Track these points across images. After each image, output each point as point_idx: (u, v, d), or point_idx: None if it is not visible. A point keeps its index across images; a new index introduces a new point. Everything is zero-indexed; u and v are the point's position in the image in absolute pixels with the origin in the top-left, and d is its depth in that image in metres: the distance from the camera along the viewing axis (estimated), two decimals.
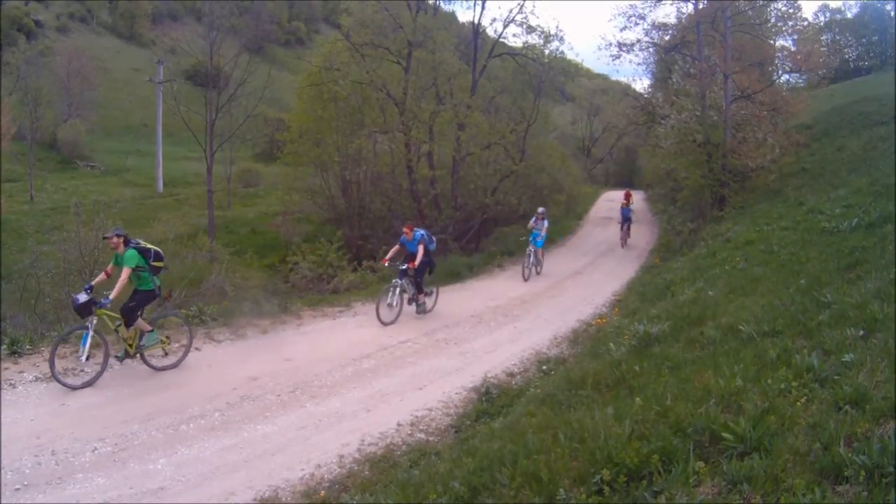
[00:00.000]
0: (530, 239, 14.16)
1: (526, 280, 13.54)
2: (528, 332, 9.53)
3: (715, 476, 2.80)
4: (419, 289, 9.97)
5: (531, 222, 14.47)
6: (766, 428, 2.99)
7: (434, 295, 10.53)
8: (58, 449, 5.07)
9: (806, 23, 22.90)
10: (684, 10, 19.98)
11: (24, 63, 34.12)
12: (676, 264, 13.03)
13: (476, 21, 20.44)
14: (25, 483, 4.58)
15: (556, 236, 20.96)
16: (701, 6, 19.12)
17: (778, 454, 2.78)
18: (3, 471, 4.66)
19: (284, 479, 4.93)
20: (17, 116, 32.48)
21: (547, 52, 20.63)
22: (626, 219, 19.78)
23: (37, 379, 6.37)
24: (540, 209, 14.73)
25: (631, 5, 23.32)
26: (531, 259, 13.91)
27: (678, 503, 2.66)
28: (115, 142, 41.26)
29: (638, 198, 31.75)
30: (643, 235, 22.32)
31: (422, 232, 9.92)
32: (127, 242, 6.62)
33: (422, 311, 10.11)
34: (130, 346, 6.67)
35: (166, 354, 7.20)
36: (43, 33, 48.36)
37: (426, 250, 9.88)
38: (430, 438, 5.74)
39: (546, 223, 14.43)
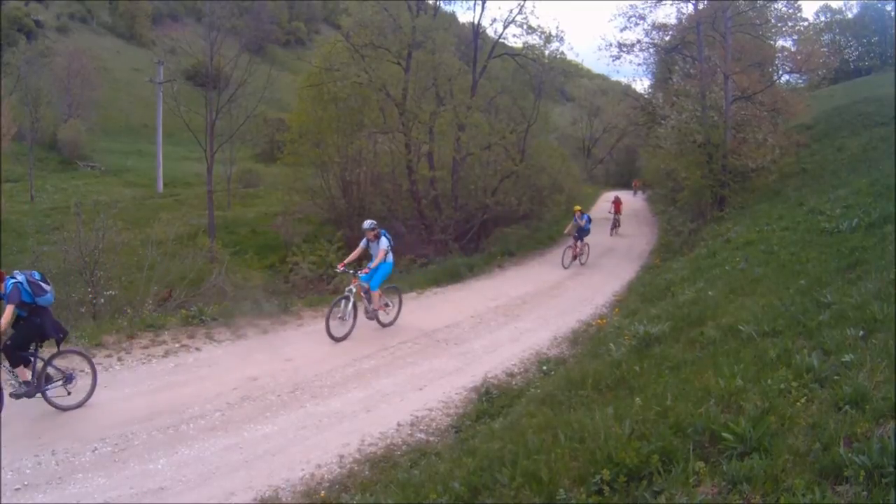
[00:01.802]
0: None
1: (337, 340, 8.32)
2: (529, 333, 9.53)
3: (715, 476, 2.80)
4: (14, 360, 5.65)
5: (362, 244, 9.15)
6: (766, 428, 2.99)
7: (84, 379, 6.12)
8: (58, 449, 5.07)
9: (806, 23, 22.94)
10: (684, 11, 19.99)
11: (24, 63, 34.15)
12: (677, 264, 13.02)
13: (476, 22, 20.44)
14: (26, 483, 4.59)
15: (556, 237, 20.94)
16: (701, 6, 19.13)
17: (778, 454, 2.78)
18: (3, 470, 4.66)
19: (285, 479, 4.93)
20: (17, 117, 32.52)
21: (547, 52, 20.62)
22: (581, 230, 15.85)
23: None
24: (366, 223, 9.13)
25: (631, 6, 23.34)
26: (346, 306, 8.49)
27: (678, 503, 2.67)
28: (115, 142, 41.31)
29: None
30: (644, 235, 22.36)
31: (17, 279, 5.63)
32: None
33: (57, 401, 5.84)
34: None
35: None
36: (43, 33, 48.42)
37: (32, 309, 5.71)
38: (431, 438, 5.74)
39: (385, 244, 8.91)
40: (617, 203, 23.38)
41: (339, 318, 8.45)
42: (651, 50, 21.73)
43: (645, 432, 3.29)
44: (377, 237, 8.99)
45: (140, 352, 7.43)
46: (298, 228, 22.55)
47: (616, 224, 22.76)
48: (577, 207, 16.19)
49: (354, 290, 8.59)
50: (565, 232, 16.30)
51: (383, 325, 9.16)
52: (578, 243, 15.75)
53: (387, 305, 9.22)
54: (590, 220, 16.14)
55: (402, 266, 15.52)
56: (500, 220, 20.84)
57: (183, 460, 5.10)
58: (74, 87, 39.94)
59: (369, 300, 8.91)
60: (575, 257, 15.70)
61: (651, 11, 22.58)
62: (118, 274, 12.33)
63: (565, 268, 15.22)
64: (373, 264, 8.81)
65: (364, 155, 20.44)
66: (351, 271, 8.73)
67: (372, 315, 8.95)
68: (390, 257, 9.08)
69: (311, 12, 67.46)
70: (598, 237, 20.46)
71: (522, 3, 29.94)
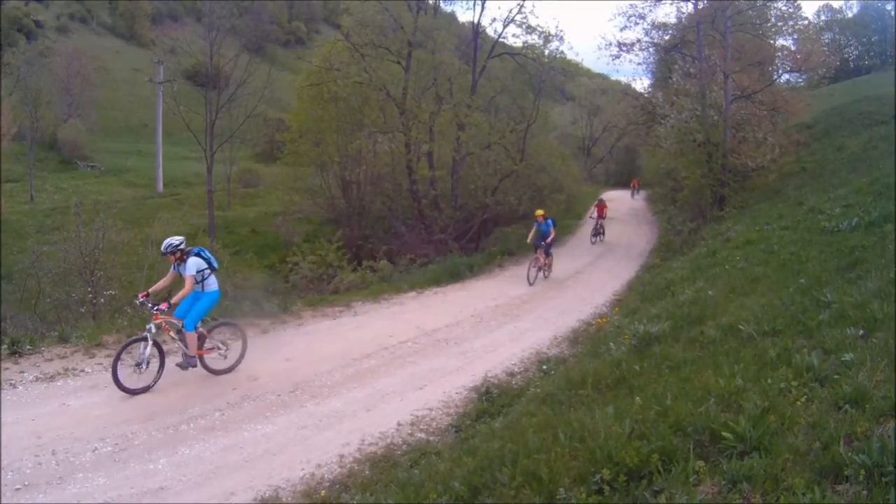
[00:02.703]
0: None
1: (133, 392, 6.28)
2: (529, 332, 9.53)
3: (715, 475, 2.80)
4: None
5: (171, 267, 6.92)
6: (766, 427, 2.99)
7: None
8: (58, 449, 5.07)
9: (806, 22, 22.93)
10: (684, 10, 20.01)
11: (24, 63, 34.22)
12: (677, 264, 13.02)
13: (476, 21, 20.45)
14: (26, 483, 4.59)
15: (557, 236, 20.87)
16: (701, 6, 19.13)
17: (778, 453, 2.78)
18: (3, 471, 4.66)
19: (285, 478, 4.93)
20: (17, 117, 32.57)
21: (547, 51, 20.60)
22: (542, 237, 13.75)
23: (37, 379, 6.39)
24: (164, 243, 6.81)
25: (631, 5, 23.38)
26: (144, 349, 6.41)
27: (678, 503, 2.66)
28: (115, 142, 41.32)
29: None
30: (644, 235, 22.34)
31: None
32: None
33: None
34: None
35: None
36: (43, 34, 48.45)
37: None
38: (431, 438, 5.74)
39: (194, 267, 6.70)
40: (600, 207, 20.66)
41: (136, 364, 6.34)
42: (651, 49, 21.73)
43: (645, 432, 3.29)
44: (181, 259, 6.72)
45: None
46: (298, 228, 22.56)
47: (599, 231, 20.30)
48: (540, 212, 14.12)
49: (154, 329, 6.50)
50: (528, 241, 14.11)
51: (215, 372, 7.01)
52: (542, 254, 13.68)
53: (219, 348, 7.14)
54: (554, 225, 14.07)
55: (402, 266, 15.53)
56: (500, 219, 20.83)
57: (183, 460, 5.10)
58: (74, 87, 40.00)
59: (184, 343, 6.77)
60: (540, 269, 13.63)
61: (651, 11, 22.59)
62: (118, 274, 12.33)
63: (530, 284, 13.12)
64: (174, 299, 6.61)
65: (364, 155, 20.42)
66: (150, 304, 6.51)
67: (190, 362, 6.78)
68: (213, 285, 6.92)
69: (311, 12, 67.46)
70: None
71: (522, 2, 30.06)
